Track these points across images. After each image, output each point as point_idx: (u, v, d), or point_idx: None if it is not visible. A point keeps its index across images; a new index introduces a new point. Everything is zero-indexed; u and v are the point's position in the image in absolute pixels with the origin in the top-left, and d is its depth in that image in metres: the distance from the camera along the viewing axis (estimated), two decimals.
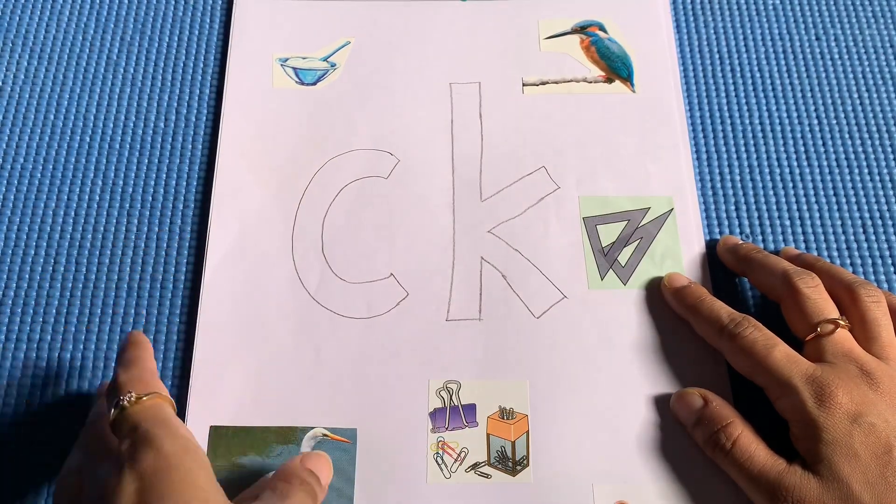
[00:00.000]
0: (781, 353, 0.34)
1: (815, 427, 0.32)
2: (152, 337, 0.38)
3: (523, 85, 0.44)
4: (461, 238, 0.40)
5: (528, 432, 0.36)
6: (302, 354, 0.38)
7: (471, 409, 0.37)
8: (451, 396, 0.37)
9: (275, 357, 0.37)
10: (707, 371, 0.37)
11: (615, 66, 0.45)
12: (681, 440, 0.36)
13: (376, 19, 0.46)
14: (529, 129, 0.43)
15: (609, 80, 0.44)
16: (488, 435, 0.36)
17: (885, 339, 0.35)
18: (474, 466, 0.35)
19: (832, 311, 0.35)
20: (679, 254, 0.40)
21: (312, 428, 0.36)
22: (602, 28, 0.46)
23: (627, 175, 0.42)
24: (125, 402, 0.30)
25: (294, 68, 0.45)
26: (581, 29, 0.46)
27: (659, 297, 0.39)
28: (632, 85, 0.44)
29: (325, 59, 0.45)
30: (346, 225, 0.41)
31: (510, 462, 0.35)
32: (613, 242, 0.40)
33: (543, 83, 0.44)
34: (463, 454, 0.36)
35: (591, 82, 0.44)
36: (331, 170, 0.42)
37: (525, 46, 0.45)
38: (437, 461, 0.35)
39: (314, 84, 0.44)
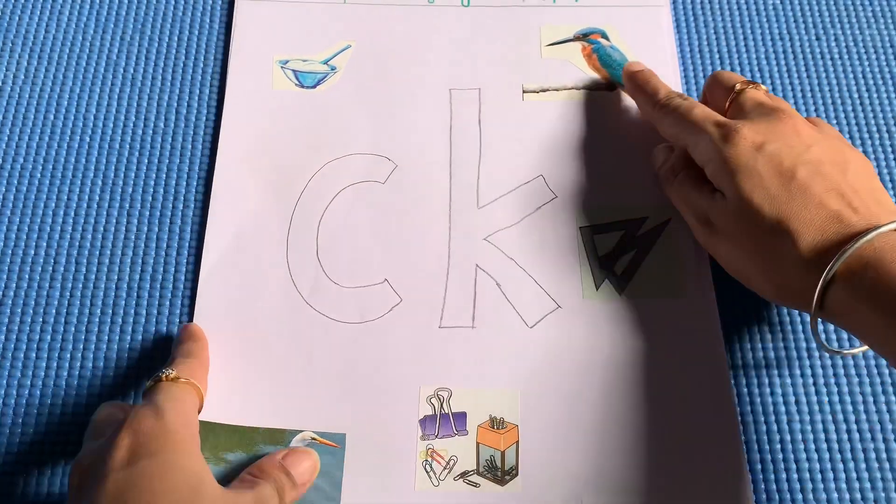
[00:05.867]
0: (701, 109, 0.37)
1: (722, 160, 0.35)
2: (152, 337, 0.38)
3: (523, 92, 0.44)
4: (457, 245, 0.40)
5: (517, 442, 0.36)
6: (293, 359, 0.37)
7: (461, 417, 0.36)
8: (441, 404, 0.36)
9: (266, 360, 0.37)
10: (704, 383, 0.37)
11: (617, 74, 0.44)
12: (672, 453, 0.35)
13: (377, 23, 0.46)
14: (529, 136, 0.43)
15: (610, 88, 0.44)
16: (478, 444, 0.36)
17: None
18: (463, 475, 0.35)
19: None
20: (676, 263, 0.39)
21: (301, 431, 0.36)
22: (604, 35, 0.45)
23: (626, 184, 0.41)
24: (162, 377, 0.33)
25: (294, 71, 0.44)
26: (583, 36, 0.45)
27: (655, 307, 0.38)
28: None
29: (326, 62, 0.45)
30: (341, 229, 0.40)
31: (499, 472, 0.35)
32: (610, 252, 0.40)
33: (544, 90, 0.44)
34: (452, 462, 0.35)
35: (592, 90, 0.44)
36: (328, 173, 0.42)
37: (526, 53, 0.45)
38: (425, 468, 0.35)
39: (314, 87, 0.44)
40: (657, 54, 0.45)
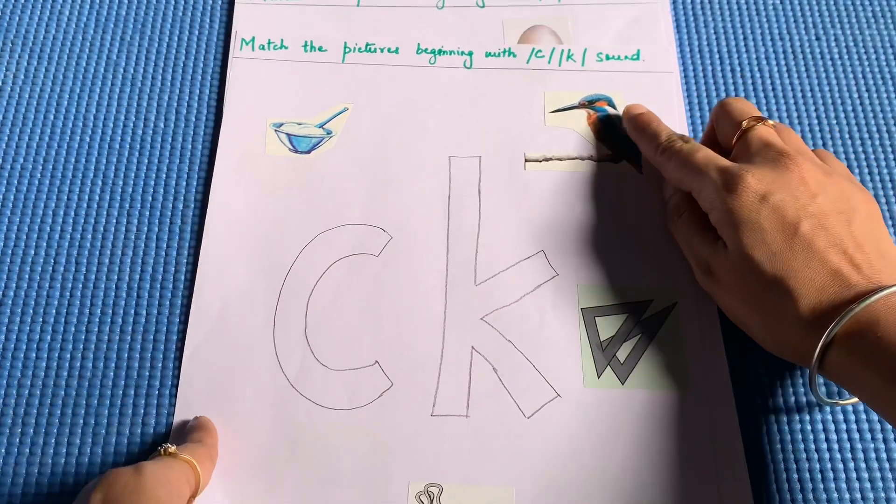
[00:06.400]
0: (704, 154, 0.36)
1: (725, 210, 0.34)
2: (151, 337, 0.38)
3: (525, 160, 0.42)
4: (452, 325, 0.38)
5: None
6: (277, 450, 0.36)
7: None
8: (431, 501, 0.35)
9: (249, 450, 0.36)
10: (720, 491, 0.35)
11: (623, 145, 0.42)
12: None
13: (376, 85, 0.44)
14: (530, 208, 0.40)
15: (616, 160, 0.42)
16: None
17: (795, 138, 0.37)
18: None
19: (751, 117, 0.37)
20: (682, 352, 0.37)
21: None
22: (611, 103, 0.43)
23: (630, 264, 0.39)
24: (161, 451, 0.33)
25: (288, 135, 0.43)
26: (589, 103, 0.43)
27: (660, 400, 0.36)
28: (639, 165, 0.42)
29: (321, 126, 0.43)
30: (331, 306, 0.38)
31: None
32: (612, 337, 0.37)
33: (547, 159, 0.42)
34: None
35: (596, 161, 0.42)
36: (319, 245, 0.40)
37: (529, 120, 0.43)
38: None
39: (308, 152, 0.42)
40: (668, 122, 0.41)
